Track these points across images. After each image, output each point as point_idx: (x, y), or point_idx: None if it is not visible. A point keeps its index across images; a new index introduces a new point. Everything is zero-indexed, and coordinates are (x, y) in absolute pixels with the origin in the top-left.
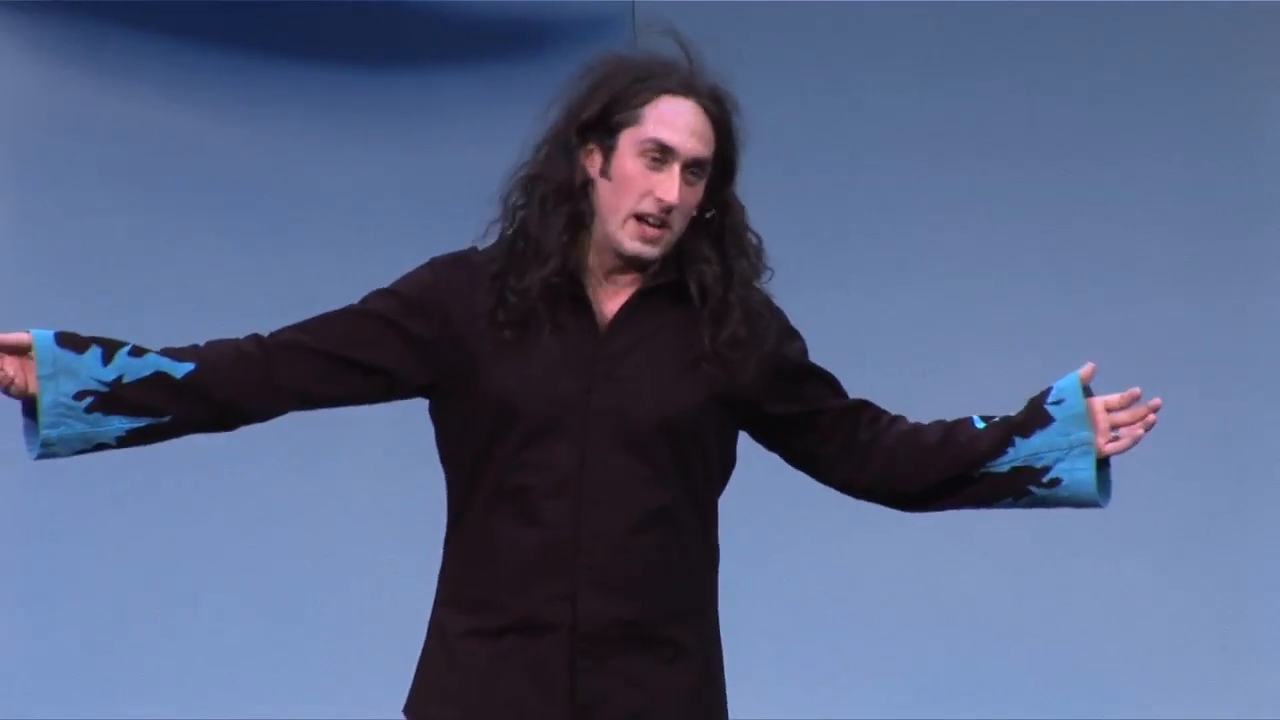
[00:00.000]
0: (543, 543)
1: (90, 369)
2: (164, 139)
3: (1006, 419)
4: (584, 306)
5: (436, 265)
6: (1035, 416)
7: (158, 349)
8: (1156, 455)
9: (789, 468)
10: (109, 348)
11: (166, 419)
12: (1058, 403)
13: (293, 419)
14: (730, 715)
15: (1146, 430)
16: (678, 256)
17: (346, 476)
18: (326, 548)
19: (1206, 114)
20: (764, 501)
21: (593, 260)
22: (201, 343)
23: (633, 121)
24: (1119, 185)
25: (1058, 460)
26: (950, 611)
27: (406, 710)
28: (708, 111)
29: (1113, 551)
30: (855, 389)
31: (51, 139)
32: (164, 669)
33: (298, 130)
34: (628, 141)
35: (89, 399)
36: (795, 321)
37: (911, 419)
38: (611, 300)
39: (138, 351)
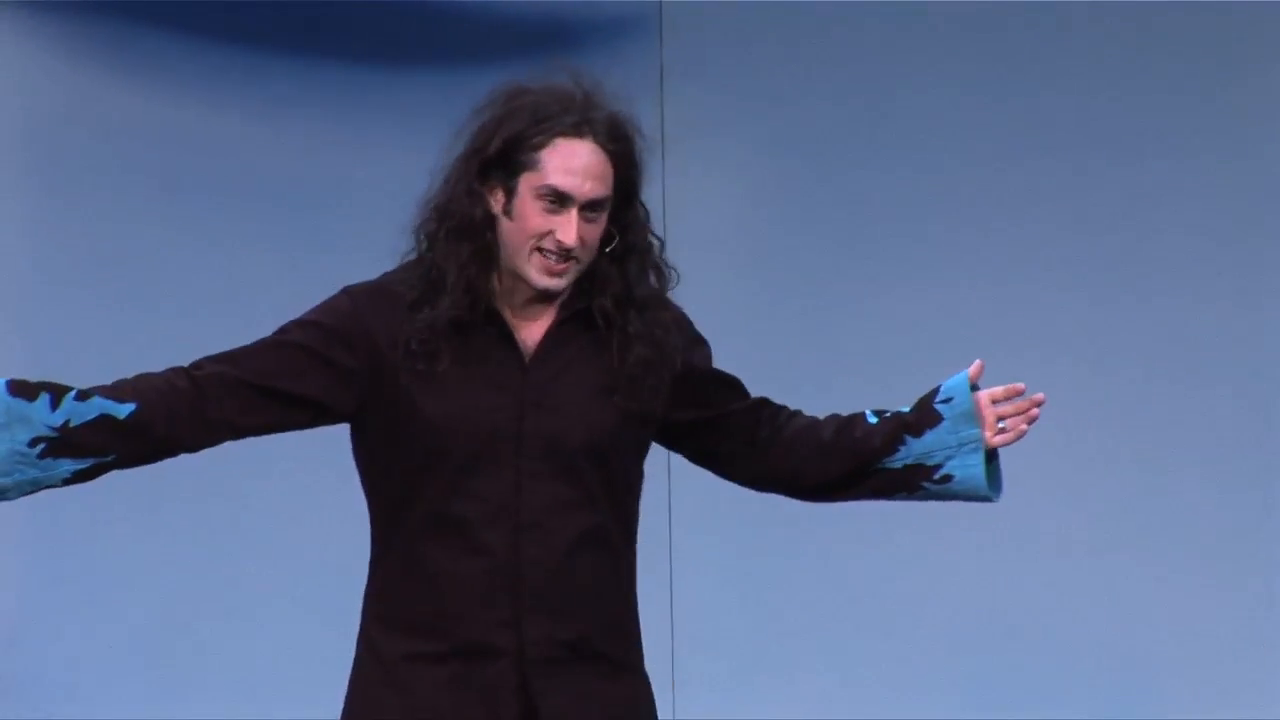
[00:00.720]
0: (484, 570)
1: (41, 415)
2: (186, 138)
3: (899, 415)
4: (506, 336)
5: (355, 294)
6: (925, 415)
7: (102, 385)
8: (1190, 454)
9: None
10: (56, 393)
11: (110, 458)
12: (946, 401)
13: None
14: (770, 715)
15: (1029, 424)
16: (586, 282)
17: None
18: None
19: (1235, 115)
20: (802, 507)
21: (507, 285)
22: (140, 373)
23: (530, 165)
24: (1150, 186)
25: (949, 458)
26: (985, 611)
27: None
28: (604, 149)
29: (1146, 551)
30: (878, 387)
31: (73, 138)
32: (202, 668)
33: (321, 130)
34: (526, 185)
35: (41, 445)
36: (822, 320)
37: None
38: (531, 328)
39: (82, 395)
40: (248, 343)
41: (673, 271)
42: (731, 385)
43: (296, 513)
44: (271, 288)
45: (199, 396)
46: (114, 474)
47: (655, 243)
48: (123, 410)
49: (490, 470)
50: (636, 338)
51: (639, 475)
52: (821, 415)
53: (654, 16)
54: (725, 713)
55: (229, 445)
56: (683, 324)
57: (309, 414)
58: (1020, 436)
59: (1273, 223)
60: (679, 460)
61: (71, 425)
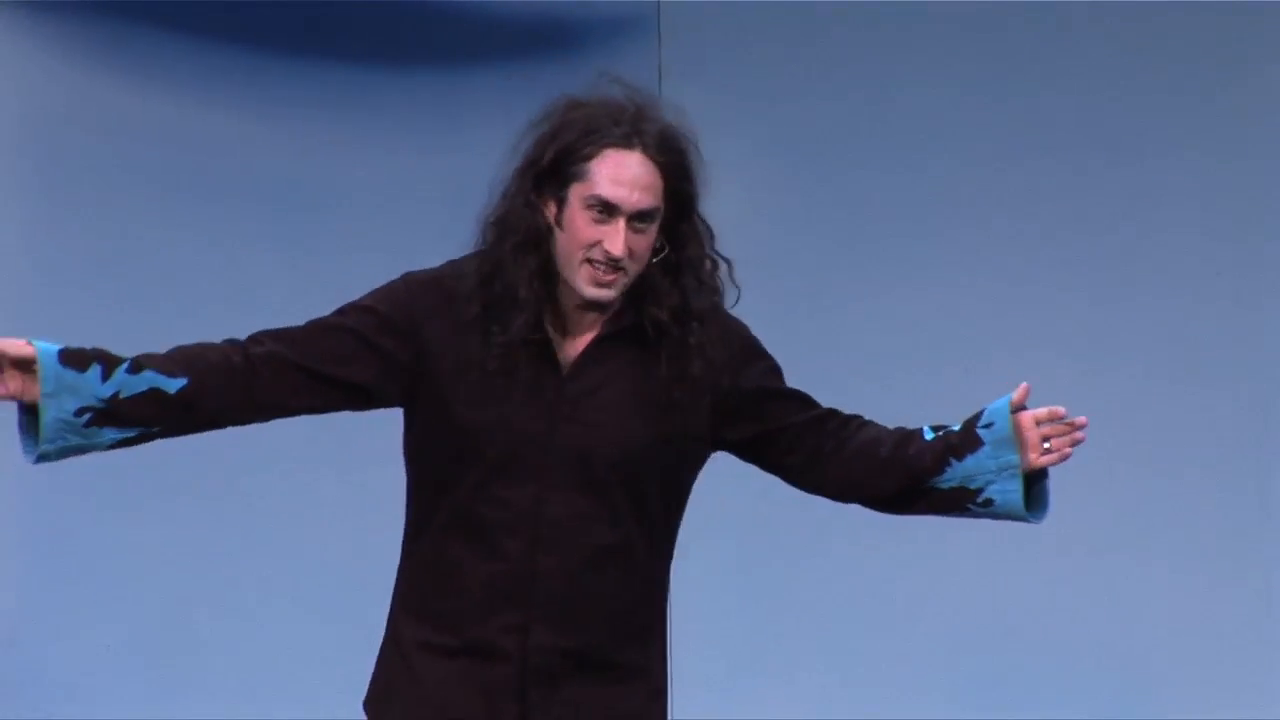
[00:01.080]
0: (500, 575)
1: (91, 386)
2: (185, 138)
3: (948, 436)
4: (547, 349)
5: (412, 285)
6: (968, 439)
7: (157, 353)
8: (1190, 454)
9: None
10: (108, 364)
11: (156, 429)
12: (988, 426)
13: (341, 415)
14: (768, 715)
15: (1073, 446)
16: (639, 295)
17: (386, 476)
18: (365, 544)
19: (1235, 115)
20: (802, 507)
21: (559, 301)
22: (198, 343)
23: (580, 176)
24: (1151, 186)
25: (989, 483)
26: (984, 612)
27: (366, 706)
28: (654, 160)
29: (1145, 551)
30: (879, 387)
31: (71, 137)
32: (202, 668)
33: (322, 130)
34: (576, 196)
35: (88, 415)
36: (822, 320)
37: (913, 421)
38: (574, 341)
39: (135, 367)
40: (308, 320)
41: (734, 289)
42: (792, 398)
43: (298, 512)
44: (271, 287)
45: (251, 376)
46: (115, 475)
47: (715, 260)
48: (174, 385)
49: (517, 478)
50: (685, 353)
51: (680, 491)
52: (890, 424)
53: (652, 17)
54: (723, 713)
55: (233, 444)
56: (740, 340)
57: (359, 399)
58: (1064, 459)
59: (1273, 222)
60: None
61: (121, 397)
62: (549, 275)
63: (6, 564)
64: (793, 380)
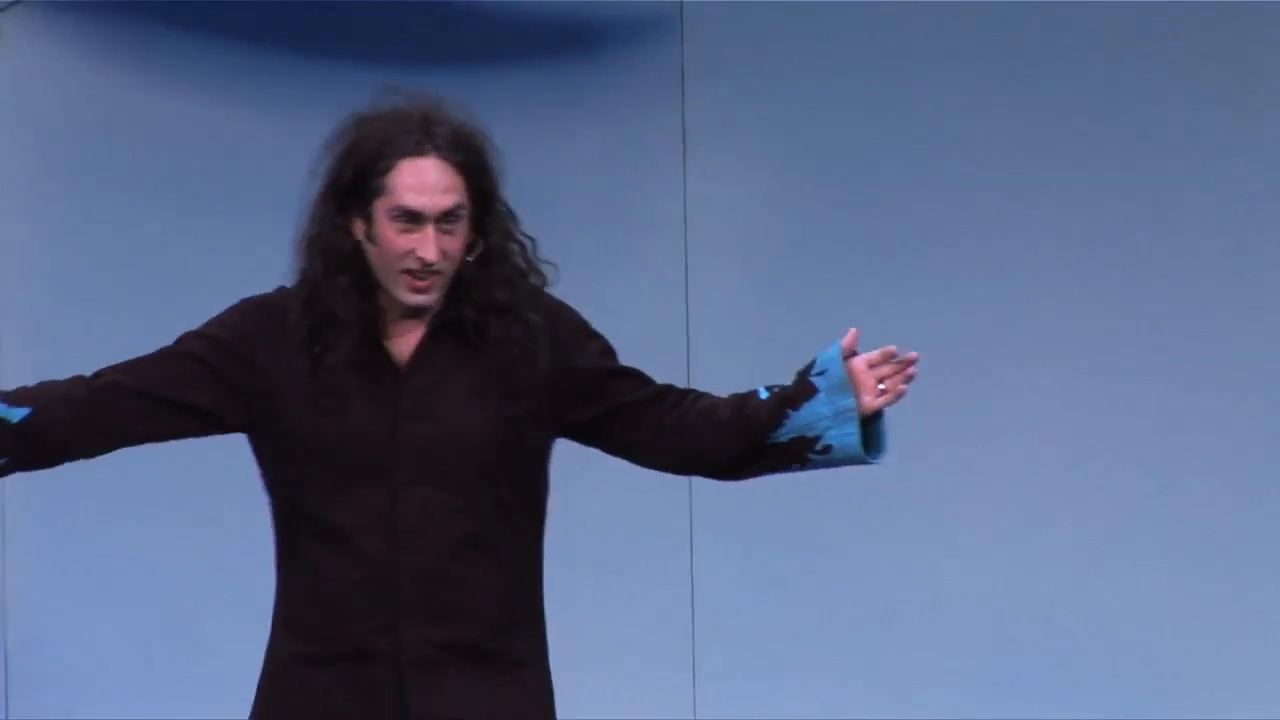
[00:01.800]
0: (362, 577)
1: None
2: (208, 139)
3: (783, 390)
4: (380, 350)
5: (247, 309)
6: (802, 389)
7: (6, 389)
8: (1208, 455)
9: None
10: None
11: (5, 460)
12: (821, 373)
13: None
14: (791, 713)
15: (907, 383)
16: (457, 290)
17: None
18: None
19: (1256, 116)
20: (822, 505)
21: (383, 307)
22: (42, 382)
23: (381, 191)
24: (1169, 188)
25: (827, 429)
26: (1006, 611)
27: None
28: (449, 161)
29: (1162, 551)
30: (919, 389)
31: (92, 138)
32: (223, 670)
33: None
34: (380, 211)
35: None
36: (841, 321)
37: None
38: (405, 340)
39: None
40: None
41: (549, 267)
42: (628, 376)
43: None
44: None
45: (93, 405)
46: (134, 474)
47: (524, 243)
48: (16, 415)
49: (368, 481)
50: (498, 342)
51: (533, 476)
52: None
53: (675, 17)
54: (745, 711)
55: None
56: (565, 323)
57: (201, 423)
58: (899, 397)
59: None
60: None
61: None
62: (367, 289)
63: (27, 566)
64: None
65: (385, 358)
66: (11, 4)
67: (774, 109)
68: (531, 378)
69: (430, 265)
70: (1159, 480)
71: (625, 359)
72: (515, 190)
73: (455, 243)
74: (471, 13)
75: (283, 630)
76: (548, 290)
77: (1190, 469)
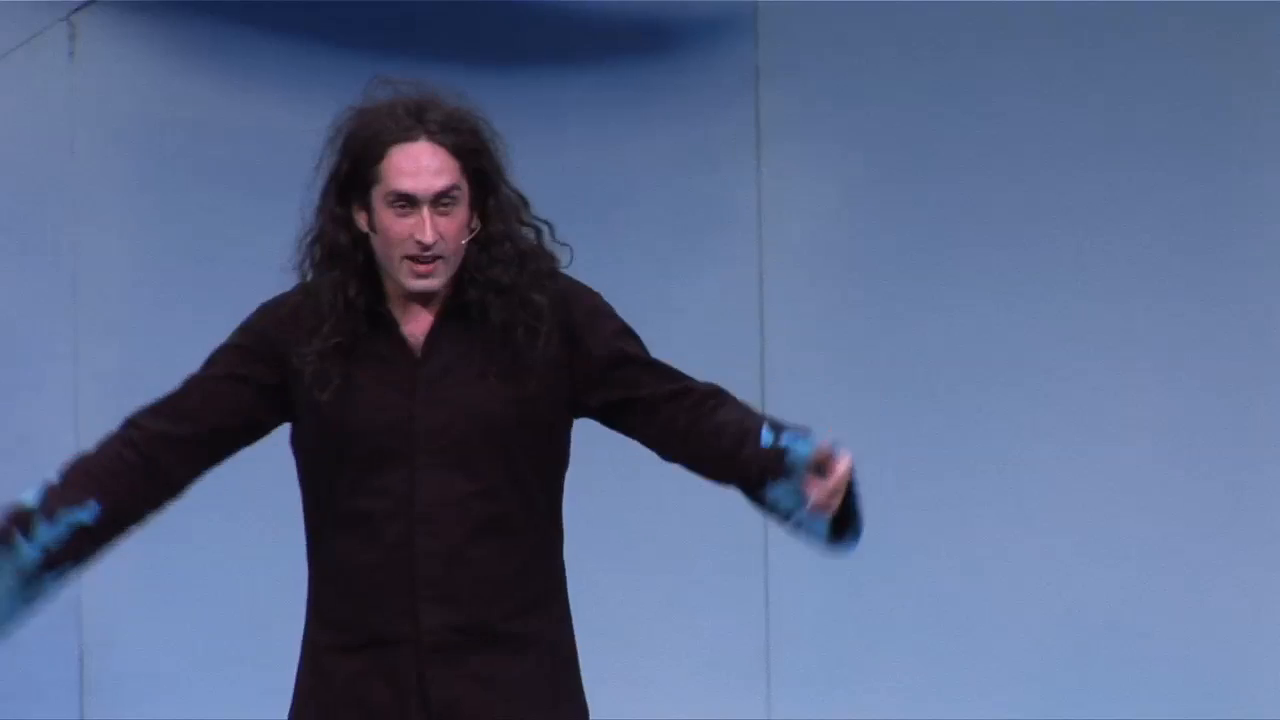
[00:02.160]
0: (382, 562)
1: (24, 555)
2: (283, 140)
3: (767, 456)
4: (397, 337)
5: (265, 311)
6: (778, 465)
7: (56, 483)
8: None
9: (920, 470)
10: (25, 523)
11: (104, 547)
12: (792, 462)
13: None
14: (865, 714)
15: (838, 484)
16: (466, 275)
17: None
18: None
19: None
20: (898, 505)
21: (393, 291)
22: (83, 454)
23: (376, 179)
24: (1247, 191)
25: (796, 507)
26: (1082, 612)
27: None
28: (441, 143)
29: (1235, 552)
30: (971, 389)
31: (167, 137)
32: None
33: None
34: (378, 199)
35: (33, 578)
36: (915, 321)
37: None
38: (418, 325)
39: (49, 512)
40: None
41: (564, 249)
42: (646, 367)
43: None
44: None
45: (150, 469)
46: (212, 476)
47: (536, 227)
48: (89, 515)
49: (389, 467)
50: (504, 324)
51: (553, 455)
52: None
53: (749, 17)
54: (819, 712)
55: None
56: (581, 305)
57: (252, 434)
58: (835, 497)
59: None
60: None
61: (53, 550)
62: (364, 279)
63: (103, 567)
64: (883, 379)
65: (400, 344)
66: (86, 4)
67: (848, 108)
68: (540, 358)
69: (428, 247)
70: (1231, 481)
71: (698, 359)
72: (590, 190)
73: (452, 225)
74: (546, 13)
75: (313, 622)
76: (565, 272)
77: (1263, 470)
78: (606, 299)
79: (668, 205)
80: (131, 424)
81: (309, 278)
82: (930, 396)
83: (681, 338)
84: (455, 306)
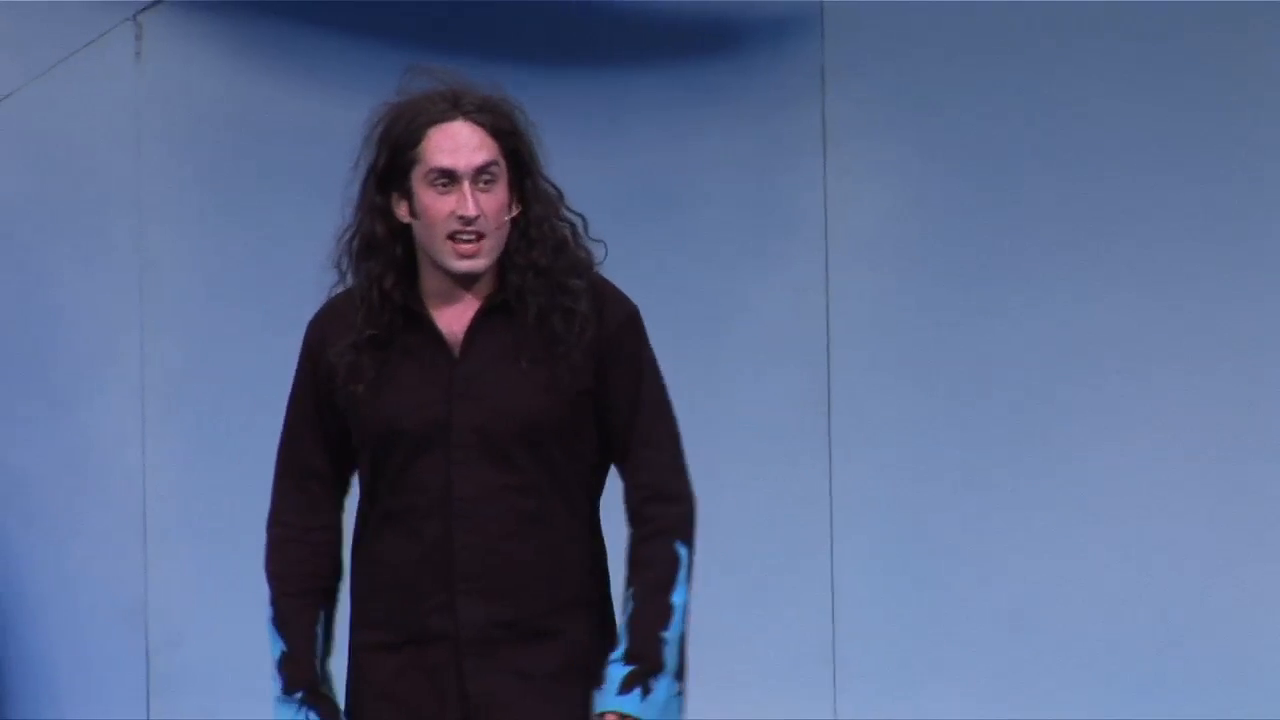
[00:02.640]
0: (421, 557)
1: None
2: (348, 139)
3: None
4: (434, 334)
5: (311, 325)
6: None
7: (290, 615)
8: None
9: (984, 469)
10: (318, 676)
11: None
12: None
13: None
14: (931, 714)
15: None
16: (504, 264)
17: None
18: None
19: None
20: (964, 504)
21: (432, 287)
22: (282, 593)
23: (415, 161)
24: None
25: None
26: (1150, 611)
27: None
28: (478, 123)
29: None
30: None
31: (233, 137)
32: None
33: None
34: (418, 180)
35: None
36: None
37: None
38: (456, 321)
39: (327, 637)
40: (279, 444)
41: (599, 245)
42: (637, 418)
43: None
44: None
45: (316, 538)
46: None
47: (572, 220)
48: (325, 614)
49: (427, 463)
50: (542, 314)
51: (586, 447)
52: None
53: (815, 17)
54: (886, 711)
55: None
56: (612, 304)
57: (351, 444)
58: None
59: None
60: (840, 456)
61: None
62: (400, 272)
63: (169, 566)
64: (948, 381)
65: (437, 341)
66: (152, 3)
67: (915, 108)
68: (575, 344)
69: (471, 221)
70: None
71: (765, 359)
72: (657, 191)
73: (494, 202)
74: (612, 13)
75: (357, 622)
76: (598, 270)
77: None
78: (674, 298)
79: (734, 206)
80: (278, 522)
81: (347, 274)
82: (995, 396)
83: (748, 338)
84: (494, 303)
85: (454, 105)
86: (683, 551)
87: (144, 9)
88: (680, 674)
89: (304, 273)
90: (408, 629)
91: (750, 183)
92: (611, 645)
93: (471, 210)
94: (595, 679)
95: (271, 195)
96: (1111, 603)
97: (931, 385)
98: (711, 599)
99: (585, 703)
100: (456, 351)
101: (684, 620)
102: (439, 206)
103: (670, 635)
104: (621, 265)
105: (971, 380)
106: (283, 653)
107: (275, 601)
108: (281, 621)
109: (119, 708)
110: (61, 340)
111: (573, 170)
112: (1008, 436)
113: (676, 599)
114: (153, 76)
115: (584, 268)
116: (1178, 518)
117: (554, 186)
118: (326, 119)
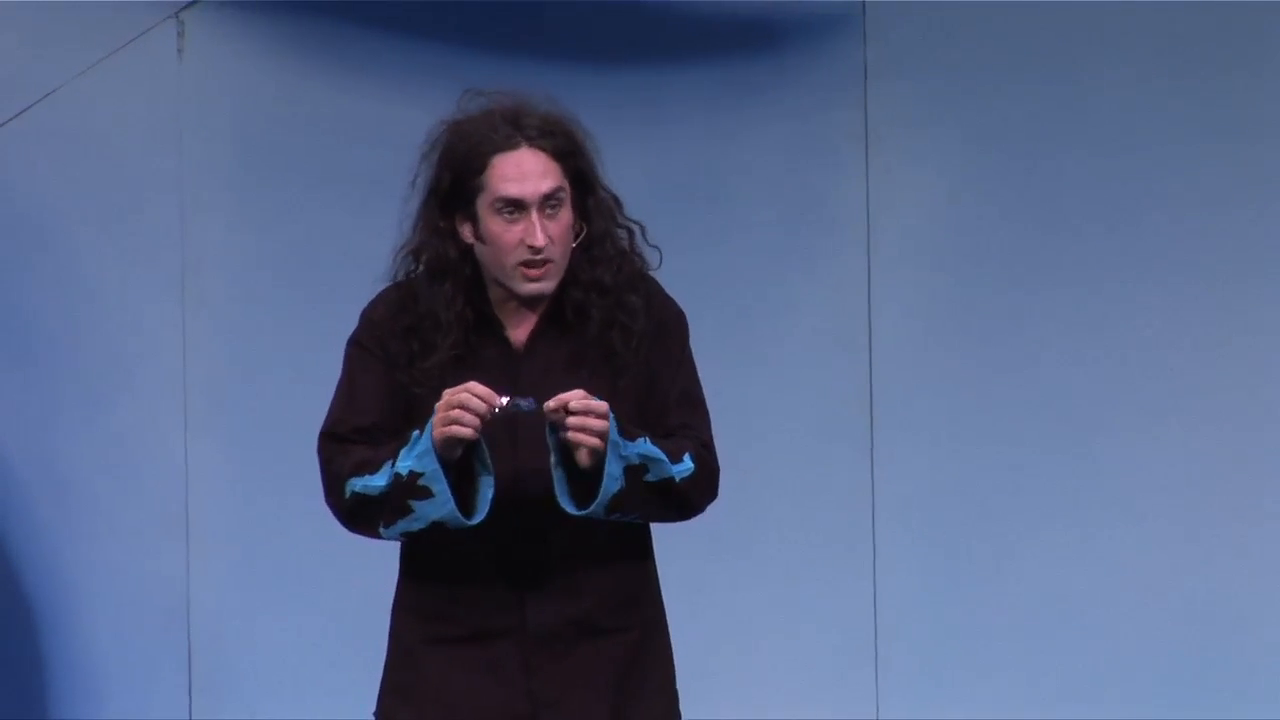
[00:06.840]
0: (487, 556)
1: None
2: (389, 138)
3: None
4: (501, 339)
5: (366, 314)
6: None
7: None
8: None
9: (1029, 464)
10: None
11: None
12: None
13: None
14: (974, 713)
15: (562, 402)
16: (568, 275)
17: None
18: None
19: None
20: (1007, 503)
21: (495, 297)
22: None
23: (481, 189)
24: None
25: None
26: (1191, 610)
27: (377, 715)
28: (540, 148)
29: None
30: (1080, 383)
31: (275, 135)
32: None
33: None
34: (484, 207)
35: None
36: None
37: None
38: (521, 327)
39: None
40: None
41: (655, 252)
42: (670, 395)
43: None
44: None
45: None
46: (318, 473)
47: (630, 228)
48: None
49: (494, 462)
50: (603, 324)
51: None
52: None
53: (858, 15)
54: (928, 710)
55: None
56: (668, 319)
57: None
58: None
59: None
60: (882, 454)
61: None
62: (471, 291)
63: (211, 566)
64: (991, 374)
65: (504, 347)
66: (194, 1)
67: (956, 106)
68: (633, 357)
69: (539, 250)
70: None
71: (807, 356)
72: (700, 188)
73: (560, 227)
74: (654, 12)
75: (409, 614)
76: (653, 277)
77: None
78: (716, 297)
79: (777, 203)
80: (331, 444)
81: (412, 281)
82: (1037, 392)
83: (790, 334)
84: (554, 310)
85: (516, 129)
86: (695, 466)
87: (186, 7)
88: (632, 481)
89: (345, 270)
90: (469, 626)
91: (792, 181)
92: (668, 648)
93: (540, 240)
94: (654, 678)
95: (313, 193)
96: (1162, 601)
97: (973, 382)
98: (754, 598)
99: (645, 702)
100: (519, 353)
101: (658, 471)
102: (508, 236)
103: (651, 453)
104: (664, 264)
105: (1013, 377)
106: (388, 465)
107: (356, 468)
108: (365, 462)
109: (161, 707)
110: (103, 338)
111: (614, 169)
112: (1052, 429)
113: (671, 464)
114: (194, 74)
115: (640, 280)
116: (1234, 511)
117: (613, 195)
118: (367, 116)
